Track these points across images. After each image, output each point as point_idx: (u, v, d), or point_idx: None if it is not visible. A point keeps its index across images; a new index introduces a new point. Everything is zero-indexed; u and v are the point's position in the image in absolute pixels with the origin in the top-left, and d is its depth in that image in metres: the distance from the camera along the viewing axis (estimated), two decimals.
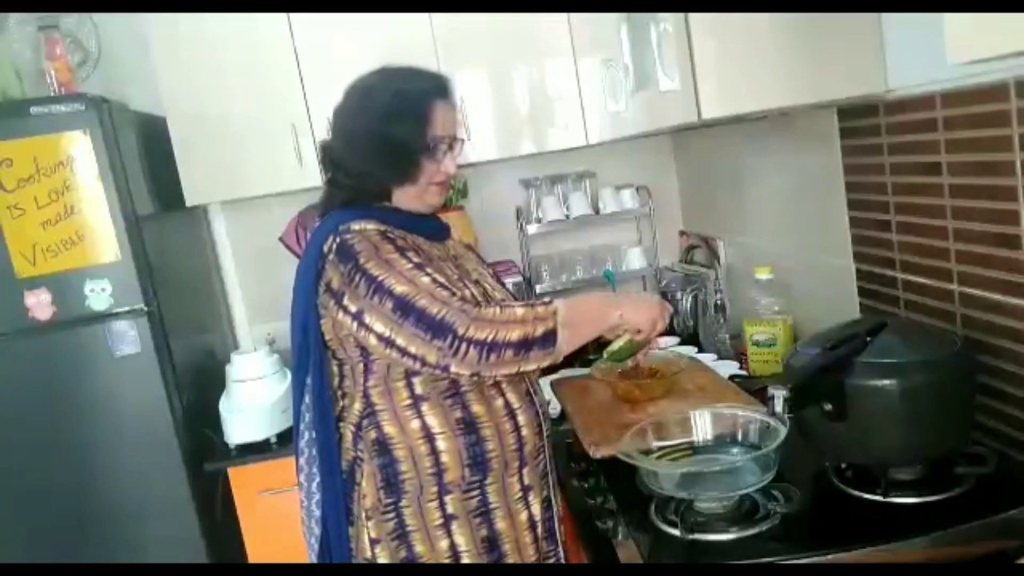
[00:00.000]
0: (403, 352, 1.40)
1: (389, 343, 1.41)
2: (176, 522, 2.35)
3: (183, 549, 2.36)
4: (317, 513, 1.58)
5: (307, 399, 1.55)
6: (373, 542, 1.53)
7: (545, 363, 1.43)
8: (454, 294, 1.40)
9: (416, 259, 1.44)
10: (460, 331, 1.36)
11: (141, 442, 2.32)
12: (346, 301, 1.43)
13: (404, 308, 1.38)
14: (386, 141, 1.48)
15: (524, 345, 1.38)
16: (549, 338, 1.39)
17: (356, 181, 1.53)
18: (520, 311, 1.40)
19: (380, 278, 1.40)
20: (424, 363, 1.40)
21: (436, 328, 1.36)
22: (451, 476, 1.50)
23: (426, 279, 1.41)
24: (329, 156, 1.57)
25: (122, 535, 2.34)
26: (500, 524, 1.55)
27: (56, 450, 2.29)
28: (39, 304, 2.25)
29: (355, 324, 1.43)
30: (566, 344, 1.41)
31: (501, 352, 1.36)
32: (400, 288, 1.39)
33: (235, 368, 2.44)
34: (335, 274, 1.45)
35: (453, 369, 1.39)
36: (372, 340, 1.43)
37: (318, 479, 1.56)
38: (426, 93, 1.52)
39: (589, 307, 1.51)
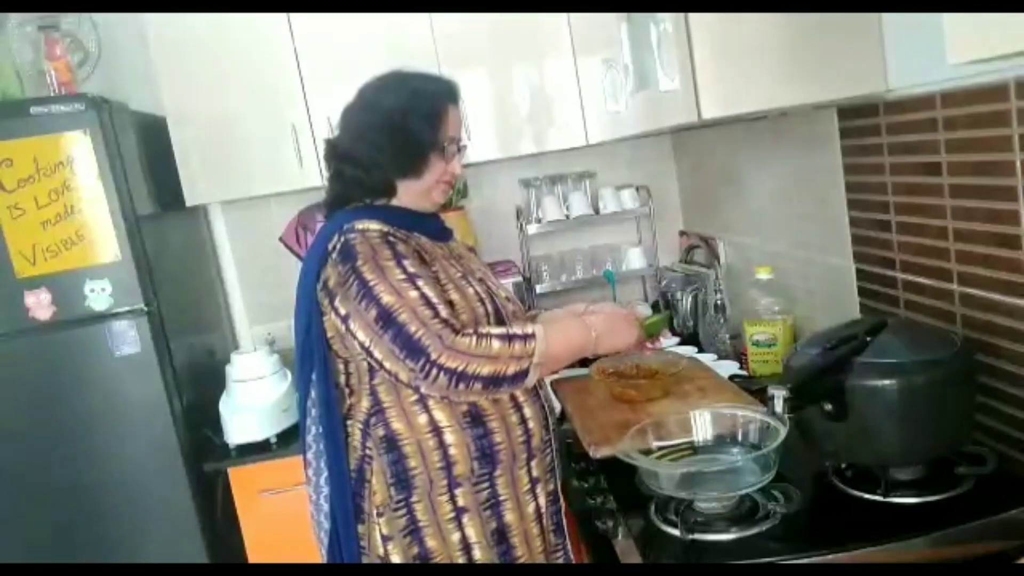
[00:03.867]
0: (379, 364, 1.45)
1: (368, 352, 1.45)
2: (176, 522, 2.35)
3: (183, 549, 2.36)
4: (326, 507, 1.60)
5: (312, 395, 1.57)
6: (385, 539, 1.54)
7: (515, 390, 1.49)
8: (437, 314, 1.42)
9: (411, 268, 1.46)
10: (432, 356, 1.38)
11: (141, 442, 2.32)
12: (337, 302, 1.47)
13: (386, 320, 1.41)
14: (399, 134, 1.52)
15: (494, 381, 1.41)
16: (520, 376, 1.43)
17: (362, 173, 1.55)
18: (496, 345, 1.42)
19: (371, 283, 1.43)
20: (397, 379, 1.44)
21: (410, 348, 1.39)
22: (460, 469, 1.52)
23: (414, 293, 1.43)
24: (335, 151, 1.59)
25: (122, 535, 2.34)
26: (509, 516, 1.57)
27: (56, 450, 2.29)
28: (39, 304, 2.25)
29: (343, 327, 1.47)
30: (537, 377, 1.47)
31: (470, 383, 1.40)
32: (386, 298, 1.42)
33: (235, 368, 2.44)
34: (333, 273, 1.48)
35: (423, 391, 1.43)
36: (356, 346, 1.47)
37: (326, 473, 1.58)
38: (440, 95, 1.57)
39: (567, 344, 1.54)
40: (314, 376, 1.55)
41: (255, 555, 2.44)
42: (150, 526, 2.35)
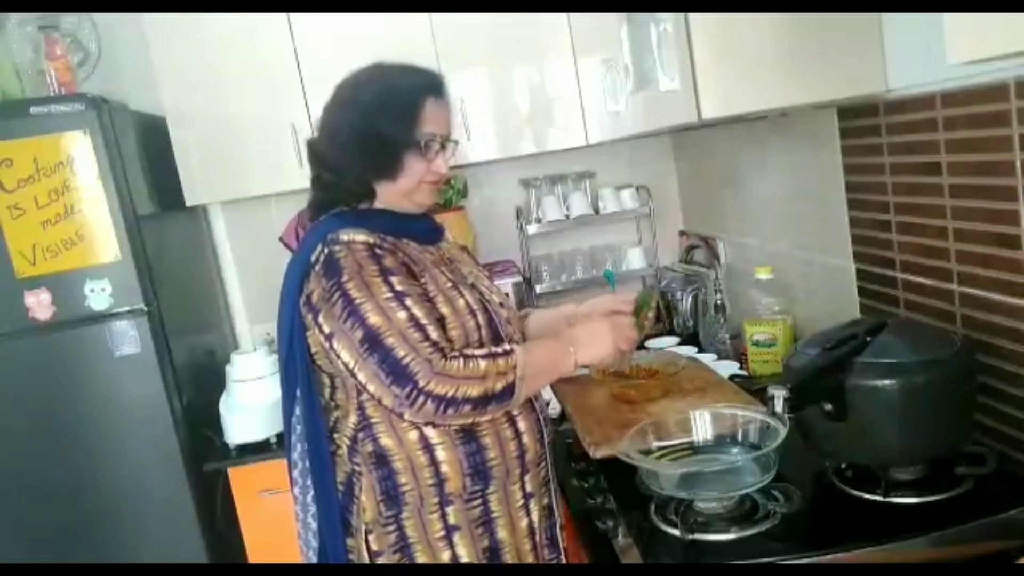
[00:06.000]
0: (363, 387, 1.39)
1: (351, 374, 1.39)
2: (176, 522, 2.35)
3: (183, 549, 2.36)
4: (314, 525, 1.55)
5: (297, 411, 1.52)
6: (374, 555, 1.50)
7: (499, 412, 1.45)
8: (427, 337, 1.36)
9: (399, 286, 1.39)
10: (421, 384, 1.33)
11: (141, 442, 2.32)
12: (321, 319, 1.40)
13: (372, 342, 1.35)
14: (369, 135, 1.44)
15: (483, 400, 1.37)
16: (507, 392, 1.39)
17: (337, 177, 1.49)
18: (483, 364, 1.38)
19: (357, 302, 1.37)
20: (380, 403, 1.39)
21: (397, 374, 1.34)
22: (452, 486, 1.47)
23: (402, 314, 1.37)
24: (312, 152, 1.53)
25: (122, 535, 2.34)
26: (501, 533, 1.53)
27: (56, 450, 2.29)
28: (39, 304, 2.25)
29: (327, 344, 1.41)
30: (523, 395, 1.43)
31: (459, 407, 1.36)
32: (373, 319, 1.36)
33: (235, 368, 2.44)
34: (317, 287, 1.41)
35: (407, 417, 1.38)
36: (339, 364, 1.41)
37: (313, 491, 1.54)
38: (417, 89, 1.48)
39: (545, 358, 1.50)
40: (298, 392, 1.50)
41: (255, 555, 2.45)
42: (150, 526, 2.35)
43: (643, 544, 1.41)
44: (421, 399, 1.33)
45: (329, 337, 1.39)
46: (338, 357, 1.39)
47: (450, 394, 1.34)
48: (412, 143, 1.47)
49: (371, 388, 1.37)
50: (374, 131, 1.45)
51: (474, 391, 1.36)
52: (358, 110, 1.46)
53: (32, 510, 2.30)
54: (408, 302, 1.39)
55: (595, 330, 1.55)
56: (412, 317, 1.37)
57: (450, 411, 1.35)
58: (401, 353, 1.34)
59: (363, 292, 1.37)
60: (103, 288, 2.27)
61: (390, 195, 1.52)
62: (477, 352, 1.40)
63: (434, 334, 1.38)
